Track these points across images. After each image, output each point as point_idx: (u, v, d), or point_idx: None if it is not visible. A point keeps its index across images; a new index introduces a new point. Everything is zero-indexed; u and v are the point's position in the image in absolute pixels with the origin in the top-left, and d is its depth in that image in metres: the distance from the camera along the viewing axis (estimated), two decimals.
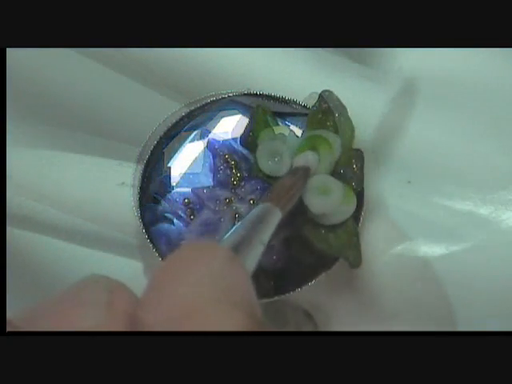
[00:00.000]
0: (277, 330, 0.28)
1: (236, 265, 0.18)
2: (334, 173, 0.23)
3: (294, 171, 0.23)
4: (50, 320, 0.17)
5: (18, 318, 0.17)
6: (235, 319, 0.17)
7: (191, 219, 0.24)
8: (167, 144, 0.25)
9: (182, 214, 0.24)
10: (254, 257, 0.19)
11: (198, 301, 0.17)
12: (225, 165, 0.24)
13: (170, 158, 0.25)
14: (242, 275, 0.18)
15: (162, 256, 0.24)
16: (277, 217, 0.20)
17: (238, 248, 0.18)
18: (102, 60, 0.27)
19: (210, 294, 0.17)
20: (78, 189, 0.26)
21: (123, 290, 0.18)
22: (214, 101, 0.25)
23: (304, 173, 0.23)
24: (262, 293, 0.23)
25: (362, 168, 0.23)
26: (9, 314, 0.17)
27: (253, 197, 0.23)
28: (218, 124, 0.25)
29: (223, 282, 0.17)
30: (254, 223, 0.19)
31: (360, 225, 0.24)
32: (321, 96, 0.24)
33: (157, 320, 0.17)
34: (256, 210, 0.20)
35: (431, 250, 0.24)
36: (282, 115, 0.25)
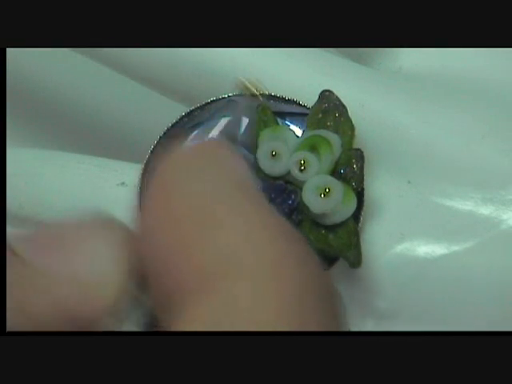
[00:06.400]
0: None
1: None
2: (334, 173, 0.23)
3: None
4: (50, 259, 0.16)
5: (17, 241, 0.16)
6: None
7: None
8: (167, 144, 0.25)
9: None
10: None
11: (218, 197, 0.15)
12: None
13: None
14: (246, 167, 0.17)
15: None
16: None
17: None
18: (101, 60, 0.27)
19: (228, 191, 0.15)
20: (77, 189, 0.26)
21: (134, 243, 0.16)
22: (213, 101, 0.25)
23: None
24: None
25: (361, 168, 0.23)
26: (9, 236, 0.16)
27: None
28: (218, 124, 0.25)
29: (238, 176, 0.16)
30: None
31: (360, 225, 0.24)
32: (321, 96, 0.24)
33: (164, 225, 0.15)
34: None
35: (431, 249, 0.24)
36: (282, 115, 0.25)
